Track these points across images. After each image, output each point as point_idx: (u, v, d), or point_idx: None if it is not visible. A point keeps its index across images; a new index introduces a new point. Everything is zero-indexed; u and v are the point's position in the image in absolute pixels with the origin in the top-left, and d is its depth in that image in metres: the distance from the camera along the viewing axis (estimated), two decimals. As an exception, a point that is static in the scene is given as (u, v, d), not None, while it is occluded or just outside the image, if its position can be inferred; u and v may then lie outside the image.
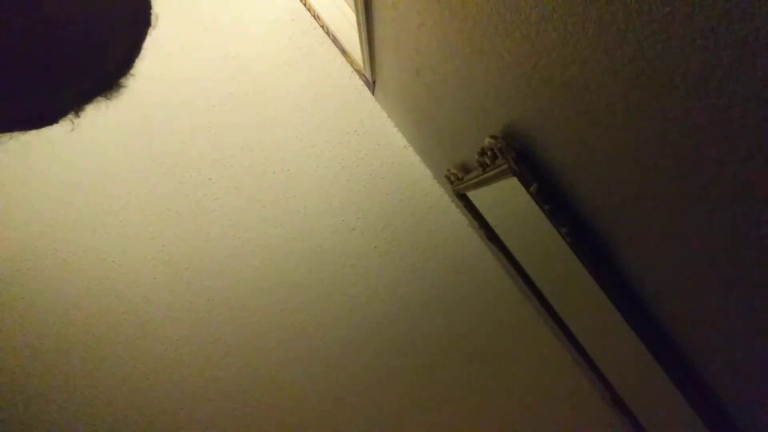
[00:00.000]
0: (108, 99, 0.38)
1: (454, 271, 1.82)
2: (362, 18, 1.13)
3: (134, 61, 0.38)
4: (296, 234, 1.78)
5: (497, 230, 1.38)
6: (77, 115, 0.37)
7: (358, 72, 1.73)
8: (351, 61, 1.72)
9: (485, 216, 1.39)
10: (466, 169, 1.20)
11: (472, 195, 1.33)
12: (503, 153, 0.78)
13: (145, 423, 1.75)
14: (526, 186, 0.76)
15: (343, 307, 1.80)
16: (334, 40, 1.72)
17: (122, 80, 0.38)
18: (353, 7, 1.19)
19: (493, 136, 0.80)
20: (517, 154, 0.76)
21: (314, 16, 1.74)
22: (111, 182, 1.73)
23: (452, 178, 1.32)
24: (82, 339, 1.72)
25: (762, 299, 0.48)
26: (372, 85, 1.65)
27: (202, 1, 1.77)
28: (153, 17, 0.39)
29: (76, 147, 1.71)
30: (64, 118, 0.36)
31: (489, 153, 0.84)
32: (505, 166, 0.79)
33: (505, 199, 1.01)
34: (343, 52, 1.72)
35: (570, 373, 1.81)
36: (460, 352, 1.82)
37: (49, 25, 0.30)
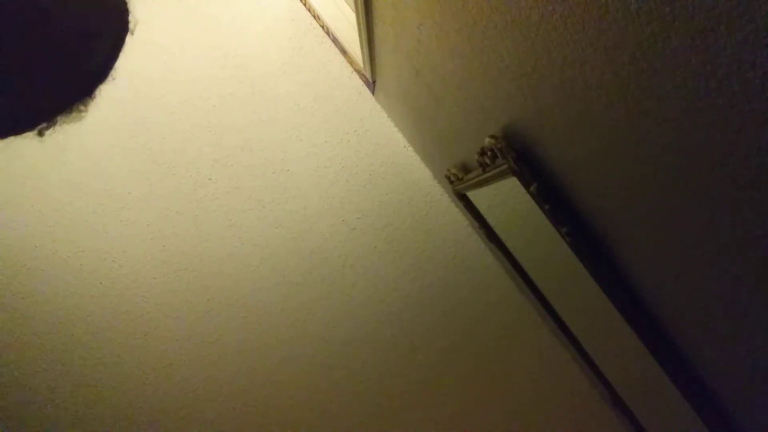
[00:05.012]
0: (79, 111, 0.38)
1: (454, 271, 1.82)
2: (362, 18, 1.13)
3: (112, 68, 0.38)
4: (296, 234, 1.78)
5: (497, 230, 1.38)
6: (49, 125, 0.36)
7: (358, 72, 1.73)
8: (351, 61, 1.72)
9: (485, 216, 1.39)
10: (466, 169, 1.20)
11: (472, 195, 1.33)
12: (503, 153, 0.78)
13: (145, 423, 1.75)
14: (526, 186, 0.76)
15: (344, 307, 1.80)
16: (334, 40, 1.72)
17: (85, 102, 0.38)
18: (353, 7, 1.19)
19: (493, 136, 0.80)
20: (517, 154, 0.76)
21: (314, 16, 1.74)
22: (111, 182, 1.73)
23: (452, 178, 1.32)
24: (82, 339, 1.73)
25: (762, 299, 0.48)
26: (372, 85, 1.65)
27: (202, 0, 1.77)
28: (132, 23, 0.39)
29: (76, 147, 1.71)
30: (36, 126, 0.36)
31: (489, 153, 0.84)
32: (505, 166, 0.79)
33: (505, 199, 1.01)
34: (343, 52, 1.72)
35: (570, 373, 1.81)
36: (460, 351, 1.82)
37: (37, 27, 0.30)
